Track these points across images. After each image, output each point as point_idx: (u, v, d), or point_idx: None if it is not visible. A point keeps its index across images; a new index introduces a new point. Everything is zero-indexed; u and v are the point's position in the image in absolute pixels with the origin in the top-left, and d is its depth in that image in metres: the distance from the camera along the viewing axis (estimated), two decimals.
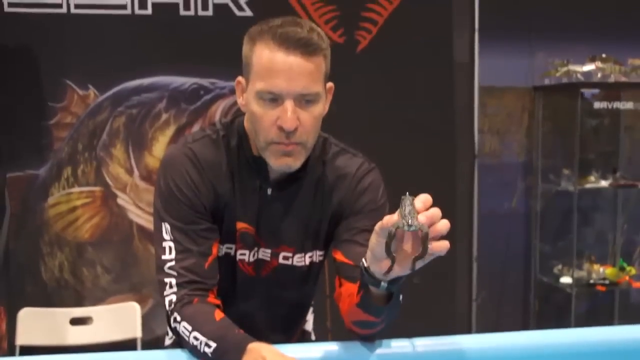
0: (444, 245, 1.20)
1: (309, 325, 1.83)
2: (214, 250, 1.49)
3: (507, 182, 3.82)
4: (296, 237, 1.57)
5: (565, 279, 3.78)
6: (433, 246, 1.18)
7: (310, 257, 1.60)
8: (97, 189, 3.29)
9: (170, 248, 1.46)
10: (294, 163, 1.46)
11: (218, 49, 3.24)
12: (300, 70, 1.39)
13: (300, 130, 1.41)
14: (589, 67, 3.65)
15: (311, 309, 1.83)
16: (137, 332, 3.08)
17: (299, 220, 1.56)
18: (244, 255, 1.57)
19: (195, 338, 1.35)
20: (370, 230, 1.38)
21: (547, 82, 3.74)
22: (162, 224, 1.48)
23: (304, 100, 1.41)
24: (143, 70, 3.26)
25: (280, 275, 1.60)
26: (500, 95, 3.78)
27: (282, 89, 1.39)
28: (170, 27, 3.25)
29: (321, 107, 1.45)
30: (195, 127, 3.30)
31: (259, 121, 1.43)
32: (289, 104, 1.39)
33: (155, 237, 1.50)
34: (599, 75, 3.63)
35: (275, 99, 1.40)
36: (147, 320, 3.23)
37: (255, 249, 1.57)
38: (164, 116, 3.30)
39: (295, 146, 1.43)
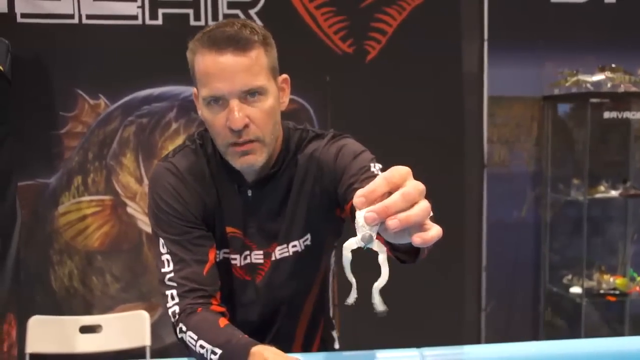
0: (427, 236, 0.91)
1: (326, 333, 1.79)
2: (211, 257, 1.49)
3: (517, 191, 3.80)
4: (283, 232, 1.56)
5: (575, 289, 3.75)
6: (413, 240, 0.90)
7: (295, 245, 1.58)
8: (107, 197, 3.29)
9: (167, 261, 1.47)
10: (256, 160, 1.45)
11: None
12: (235, 67, 1.39)
13: (252, 126, 1.41)
14: (598, 77, 3.63)
15: (333, 320, 1.81)
16: (146, 341, 3.07)
17: (283, 214, 1.56)
18: (235, 260, 1.58)
19: (202, 347, 1.35)
20: (361, 172, 1.43)
21: (556, 92, 3.73)
22: (158, 239, 1.49)
23: (248, 96, 1.40)
24: (153, 80, 3.27)
25: (274, 274, 1.59)
26: (510, 105, 3.76)
27: (222, 90, 1.39)
28: (181, 37, 3.23)
29: (272, 101, 1.44)
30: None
31: (212, 127, 1.44)
32: (233, 103, 1.39)
33: (154, 253, 1.51)
34: (609, 85, 3.62)
35: (220, 102, 1.40)
36: (156, 329, 3.23)
37: (247, 252, 1.57)
38: (174, 125, 3.31)
39: (251, 144, 1.43)
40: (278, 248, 1.58)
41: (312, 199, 1.55)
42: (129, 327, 3.12)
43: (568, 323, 3.86)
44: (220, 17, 3.28)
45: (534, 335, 3.84)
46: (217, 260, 1.55)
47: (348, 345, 1.47)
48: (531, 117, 3.80)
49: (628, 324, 3.98)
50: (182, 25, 3.27)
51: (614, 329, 3.93)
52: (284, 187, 1.55)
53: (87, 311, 3.28)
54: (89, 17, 3.20)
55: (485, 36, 3.57)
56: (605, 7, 3.73)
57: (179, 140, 3.28)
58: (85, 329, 3.10)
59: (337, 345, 1.82)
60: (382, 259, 0.96)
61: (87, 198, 3.28)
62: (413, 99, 3.40)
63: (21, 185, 3.14)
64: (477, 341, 3.65)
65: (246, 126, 1.40)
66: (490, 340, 3.64)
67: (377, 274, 0.95)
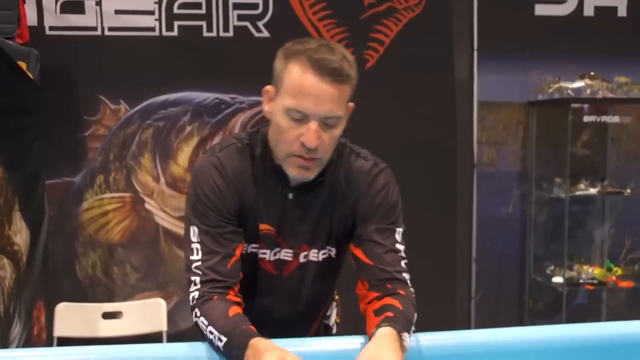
0: None
1: (330, 320, 1.82)
2: (238, 252, 1.49)
3: (504, 189, 3.80)
4: (313, 237, 1.57)
5: (557, 279, 3.75)
6: None
7: (324, 254, 1.60)
8: (126, 194, 3.30)
9: (197, 249, 1.46)
10: (310, 175, 1.48)
11: (238, 67, 3.27)
12: (329, 96, 1.39)
13: (320, 148, 1.42)
14: (578, 84, 3.63)
15: (334, 304, 1.83)
16: (163, 326, 3.09)
17: (317, 221, 1.56)
18: (265, 255, 1.57)
19: (211, 332, 1.35)
20: (386, 230, 1.48)
21: (540, 97, 3.73)
22: (191, 227, 1.48)
23: (327, 122, 1.41)
24: (169, 87, 3.28)
25: (300, 273, 1.60)
26: (498, 109, 3.76)
27: (310, 110, 1.39)
28: (195, 47, 3.27)
29: (340, 129, 1.46)
30: (217, 138, 3.31)
31: (283, 133, 1.43)
32: (313, 125, 1.40)
33: (184, 240, 1.50)
34: (588, 91, 3.62)
35: (301, 119, 1.41)
36: (172, 315, 3.24)
37: (277, 249, 1.57)
38: (188, 128, 3.31)
39: (313, 161, 1.45)
40: (307, 251, 1.59)
41: (344, 213, 1.57)
42: (147, 313, 3.13)
43: (550, 310, 3.86)
44: (231, 29, 3.28)
45: (519, 321, 3.84)
46: (245, 252, 1.55)
47: (348, 331, 1.48)
48: (517, 121, 3.80)
49: (605, 310, 3.98)
50: (196, 36, 3.27)
51: (592, 316, 3.93)
52: (322, 196, 1.56)
53: (109, 299, 3.29)
54: (110, 29, 3.21)
55: (475, 46, 3.57)
56: (585, 20, 3.73)
57: (193, 142, 3.30)
58: (107, 315, 3.12)
59: (334, 331, 1.84)
60: None
61: (108, 195, 3.29)
62: (409, 104, 3.40)
63: (49, 184, 3.15)
64: (468, 327, 3.64)
65: (317, 147, 1.42)
66: (480, 326, 3.63)
67: None
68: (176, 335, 3.21)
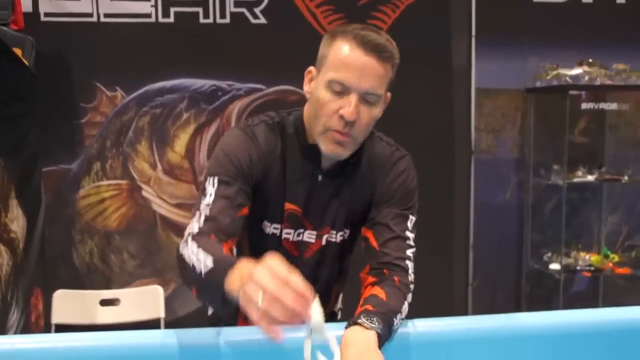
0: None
1: (336, 306, 1.83)
2: (244, 211, 1.47)
3: (501, 176, 3.80)
4: (335, 219, 1.59)
5: (554, 266, 3.76)
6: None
7: (341, 235, 1.62)
8: (123, 182, 3.30)
9: (210, 194, 1.44)
10: (344, 152, 1.48)
11: (235, 54, 3.26)
12: (372, 71, 1.41)
13: (357, 124, 1.43)
14: (577, 70, 3.63)
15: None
16: (160, 313, 3.10)
17: (342, 204, 1.58)
18: (289, 235, 1.58)
19: (198, 259, 1.28)
20: (399, 215, 1.50)
21: (538, 84, 3.72)
22: (209, 178, 1.47)
23: (367, 99, 1.43)
24: (166, 73, 3.27)
25: (320, 255, 1.62)
26: (496, 96, 3.76)
27: (352, 82, 1.41)
28: (191, 33, 3.26)
29: (378, 110, 1.48)
30: (214, 126, 3.31)
31: (322, 107, 1.44)
32: (353, 98, 1.41)
33: (200, 193, 1.47)
34: (586, 78, 3.61)
35: (342, 91, 1.42)
36: (169, 302, 3.25)
37: (300, 230, 1.59)
38: (185, 115, 3.31)
39: (348, 138, 1.45)
40: (328, 233, 1.60)
41: (363, 195, 1.58)
42: (145, 300, 3.14)
43: (547, 296, 3.87)
44: (228, 15, 3.27)
45: (517, 307, 3.86)
46: (268, 233, 1.56)
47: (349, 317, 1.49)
48: (515, 108, 3.80)
49: (601, 297, 4.00)
50: (192, 23, 3.26)
51: (589, 302, 3.95)
52: (349, 181, 1.57)
53: (107, 286, 3.30)
54: (106, 15, 3.19)
55: (473, 33, 3.56)
56: (583, 7, 3.71)
57: (190, 129, 3.30)
58: (105, 302, 3.12)
59: (338, 317, 1.85)
60: (333, 343, 1.12)
61: (105, 182, 3.29)
62: (406, 91, 3.37)
63: (45, 171, 3.14)
64: (465, 313, 3.66)
65: (354, 122, 1.42)
66: (477, 312, 3.65)
67: None
68: (174, 322, 3.22)
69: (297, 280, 1.03)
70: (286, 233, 1.58)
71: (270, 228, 1.57)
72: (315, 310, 1.05)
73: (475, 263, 3.70)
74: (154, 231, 3.34)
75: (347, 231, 1.63)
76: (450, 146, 3.60)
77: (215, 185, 1.45)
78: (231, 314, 1.29)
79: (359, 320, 1.29)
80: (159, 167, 3.31)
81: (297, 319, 1.02)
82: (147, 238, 3.34)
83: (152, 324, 3.05)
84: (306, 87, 1.53)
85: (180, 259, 1.35)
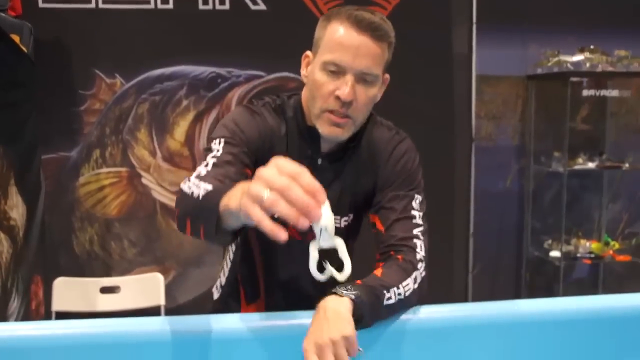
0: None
1: None
2: (248, 172, 1.44)
3: (502, 163, 3.81)
4: (338, 204, 1.57)
5: (555, 253, 3.77)
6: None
7: (345, 220, 1.61)
8: (123, 169, 3.30)
9: (218, 150, 1.42)
10: (342, 134, 1.48)
11: (234, 40, 3.25)
12: (367, 50, 1.41)
13: (354, 105, 1.43)
14: (578, 57, 3.62)
15: None
16: (160, 300, 3.10)
17: (342, 189, 1.57)
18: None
19: (198, 186, 1.24)
20: (403, 196, 1.49)
21: (539, 71, 3.71)
22: (215, 140, 1.44)
23: (363, 79, 1.42)
24: (165, 60, 3.26)
25: None
26: (496, 83, 3.75)
27: (347, 63, 1.40)
28: (190, 20, 3.24)
29: (376, 90, 1.47)
30: (213, 113, 3.30)
31: (319, 89, 1.44)
32: (349, 78, 1.41)
33: (203, 153, 1.44)
34: (588, 65, 3.60)
35: (338, 72, 1.42)
36: (169, 290, 3.26)
37: None
38: (184, 103, 3.30)
39: (346, 120, 1.45)
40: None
41: (366, 181, 1.57)
42: (145, 288, 3.15)
43: (547, 284, 3.88)
44: (227, 1, 3.25)
45: (516, 295, 3.87)
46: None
47: None
48: (516, 95, 3.79)
49: (601, 284, 4.01)
50: (191, 9, 3.24)
51: (589, 289, 3.96)
52: (349, 164, 1.57)
53: (107, 273, 3.30)
54: (105, 1, 3.17)
55: (474, 19, 3.54)
56: None
57: (190, 116, 3.29)
58: (105, 290, 3.13)
59: None
60: (344, 251, 1.04)
61: (105, 170, 3.29)
62: (407, 78, 3.37)
63: (45, 158, 3.14)
64: (465, 300, 3.67)
65: (351, 102, 1.42)
66: (477, 299, 3.66)
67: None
68: (174, 309, 3.23)
69: (308, 176, 0.96)
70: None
71: None
72: (326, 211, 0.99)
73: (476, 251, 3.70)
74: (154, 219, 3.34)
75: (351, 216, 1.62)
76: (450, 133, 3.59)
77: (222, 144, 1.43)
78: (227, 241, 1.22)
79: (334, 289, 1.28)
80: (159, 154, 3.31)
81: (305, 218, 0.94)
82: (147, 225, 3.35)
83: (152, 312, 3.06)
84: (303, 72, 1.53)
85: (180, 193, 1.30)
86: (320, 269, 1.08)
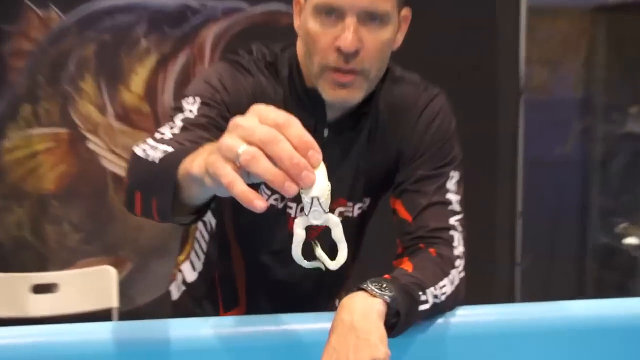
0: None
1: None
2: None
3: (560, 122, 3.81)
4: (352, 187, 1.58)
5: (630, 240, 3.78)
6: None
7: (359, 207, 1.61)
8: (62, 130, 3.29)
9: (191, 110, 1.41)
10: (351, 97, 1.45)
11: None
12: None
13: (362, 55, 1.40)
14: None
15: None
16: (112, 302, 3.10)
17: (356, 167, 1.57)
18: (291, 210, 1.57)
19: (155, 149, 1.22)
20: (435, 175, 1.49)
21: (610, 0, 3.70)
22: (187, 97, 1.44)
23: (370, 19, 1.39)
24: None
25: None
26: (553, 17, 3.75)
27: (343, 2, 1.37)
28: None
29: (390, 32, 1.44)
30: (182, 58, 3.30)
31: (314, 41, 1.42)
32: (350, 21, 1.37)
33: (171, 112, 1.43)
34: None
35: (335, 16, 1.39)
36: (125, 288, 3.26)
37: None
38: (144, 44, 3.29)
39: (354, 76, 1.42)
40: (343, 206, 1.59)
41: (386, 154, 1.57)
42: (92, 285, 3.14)
43: (621, 279, 3.90)
44: None
45: (579, 293, 3.89)
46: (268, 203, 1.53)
47: None
48: (580, 33, 3.79)
49: None
50: None
51: None
52: (365, 136, 1.56)
53: (41, 267, 3.30)
54: None
55: None
56: None
57: (150, 62, 3.29)
58: (38, 289, 3.12)
59: None
60: (339, 232, 1.00)
61: (38, 131, 3.28)
62: (437, 14, 3.34)
63: None
64: (511, 300, 3.69)
65: (357, 52, 1.39)
66: (526, 299, 3.68)
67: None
68: (130, 313, 3.24)
69: (298, 126, 0.90)
70: (288, 207, 1.57)
71: (270, 198, 1.55)
72: (321, 176, 0.94)
73: (525, 236, 3.72)
74: (104, 195, 3.34)
75: (368, 201, 1.63)
76: (492, 84, 3.60)
77: (197, 104, 1.42)
78: (189, 221, 1.20)
79: (364, 286, 1.27)
80: (110, 111, 3.30)
81: (293, 182, 0.87)
82: (96, 204, 3.35)
83: (101, 316, 3.07)
84: (296, 22, 1.51)
85: (131, 158, 1.27)
86: (308, 254, 1.06)
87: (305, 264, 1.02)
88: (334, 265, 1.04)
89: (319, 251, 1.06)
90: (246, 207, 0.87)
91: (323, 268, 1.05)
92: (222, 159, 0.89)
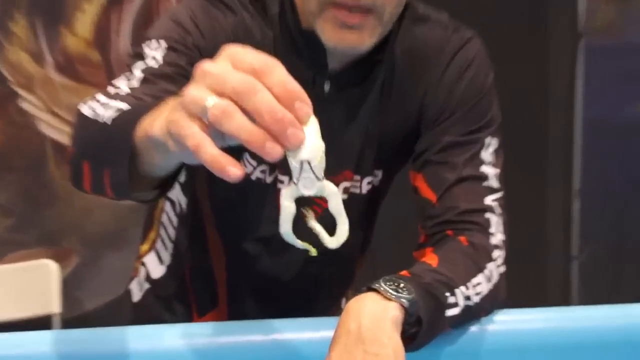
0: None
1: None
2: None
3: (631, 74, 3.81)
4: (360, 157, 1.59)
5: None
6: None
7: (368, 182, 1.62)
8: None
9: (154, 57, 1.42)
10: (361, 42, 1.43)
11: None
12: None
13: None
14: None
15: None
16: (53, 306, 3.11)
17: (366, 131, 1.57)
18: (283, 184, 1.57)
19: (107, 107, 1.21)
20: (467, 143, 1.48)
21: None
22: (150, 41, 1.45)
23: None
24: None
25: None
26: None
27: None
28: None
29: None
30: None
31: None
32: None
33: (129, 60, 1.44)
34: None
35: None
36: (69, 287, 3.27)
37: None
38: None
39: (364, 16, 1.39)
40: (349, 180, 1.60)
41: (403, 114, 1.57)
42: (27, 285, 3.16)
43: None
44: None
45: None
46: (250, 179, 1.55)
47: None
48: None
49: None
50: None
51: None
52: (377, 91, 1.56)
53: None
54: None
55: None
56: None
57: None
58: None
59: None
60: (338, 203, 1.01)
61: None
62: None
63: None
64: (566, 303, 3.72)
65: None
66: (585, 300, 3.70)
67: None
68: (78, 319, 3.26)
69: (282, 72, 0.87)
70: (279, 181, 1.58)
71: (256, 171, 1.56)
72: (312, 134, 0.93)
73: (584, 222, 3.72)
74: (43, 168, 3.35)
75: (380, 174, 1.63)
76: (543, 25, 3.62)
77: (163, 49, 1.42)
78: (150, 197, 1.19)
79: (375, 285, 1.25)
80: (49, 60, 3.31)
81: (275, 141, 0.86)
82: (31, 181, 3.35)
83: (39, 324, 3.08)
84: None
85: (77, 119, 1.27)
86: (299, 231, 1.05)
87: (299, 243, 1.02)
88: (333, 242, 1.03)
89: (313, 222, 1.05)
90: (218, 176, 0.85)
91: (315, 253, 1.04)
92: (186, 116, 0.88)
